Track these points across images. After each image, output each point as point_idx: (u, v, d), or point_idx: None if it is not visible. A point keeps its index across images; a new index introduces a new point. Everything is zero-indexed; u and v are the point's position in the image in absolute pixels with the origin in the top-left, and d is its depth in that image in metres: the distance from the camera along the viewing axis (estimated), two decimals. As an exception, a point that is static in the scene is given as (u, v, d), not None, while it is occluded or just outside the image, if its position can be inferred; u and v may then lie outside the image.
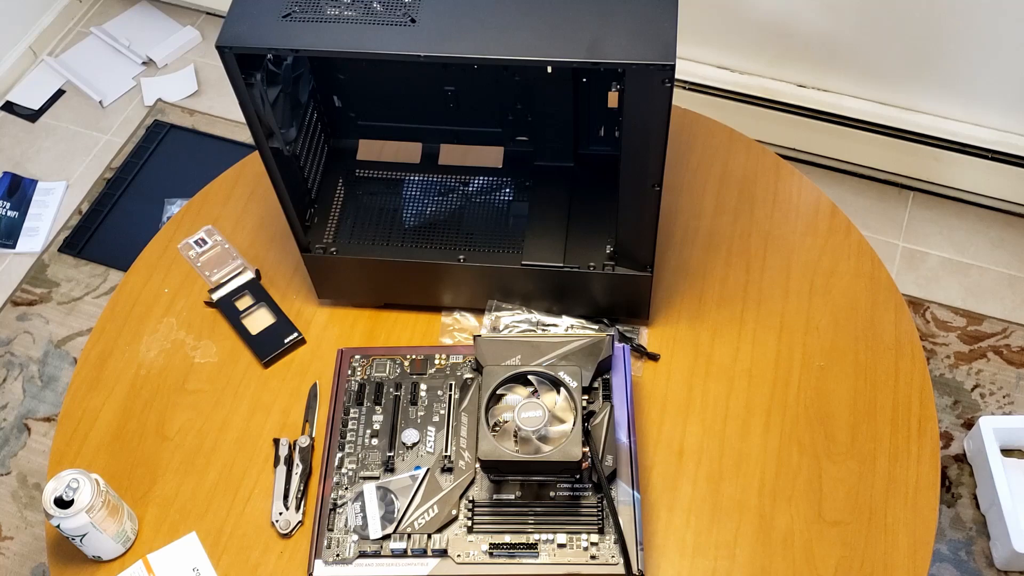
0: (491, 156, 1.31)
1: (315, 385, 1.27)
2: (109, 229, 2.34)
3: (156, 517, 1.18)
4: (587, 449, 1.05)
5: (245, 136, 2.44)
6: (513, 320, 1.27)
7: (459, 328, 1.30)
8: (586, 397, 1.13)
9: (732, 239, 1.36)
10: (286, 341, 1.30)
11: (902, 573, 1.10)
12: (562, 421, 1.07)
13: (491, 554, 1.08)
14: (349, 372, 1.22)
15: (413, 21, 0.97)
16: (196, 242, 1.40)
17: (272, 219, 1.40)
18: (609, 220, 1.19)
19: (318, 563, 1.09)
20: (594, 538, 1.08)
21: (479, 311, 1.30)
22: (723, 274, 1.33)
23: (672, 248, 1.36)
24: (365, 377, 1.22)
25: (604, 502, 1.08)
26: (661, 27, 0.95)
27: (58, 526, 1.08)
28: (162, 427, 1.25)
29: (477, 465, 1.12)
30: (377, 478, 1.14)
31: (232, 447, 1.23)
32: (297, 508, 1.16)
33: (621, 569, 1.06)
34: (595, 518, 1.08)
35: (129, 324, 1.34)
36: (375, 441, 1.17)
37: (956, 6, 1.83)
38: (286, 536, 1.15)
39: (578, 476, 1.10)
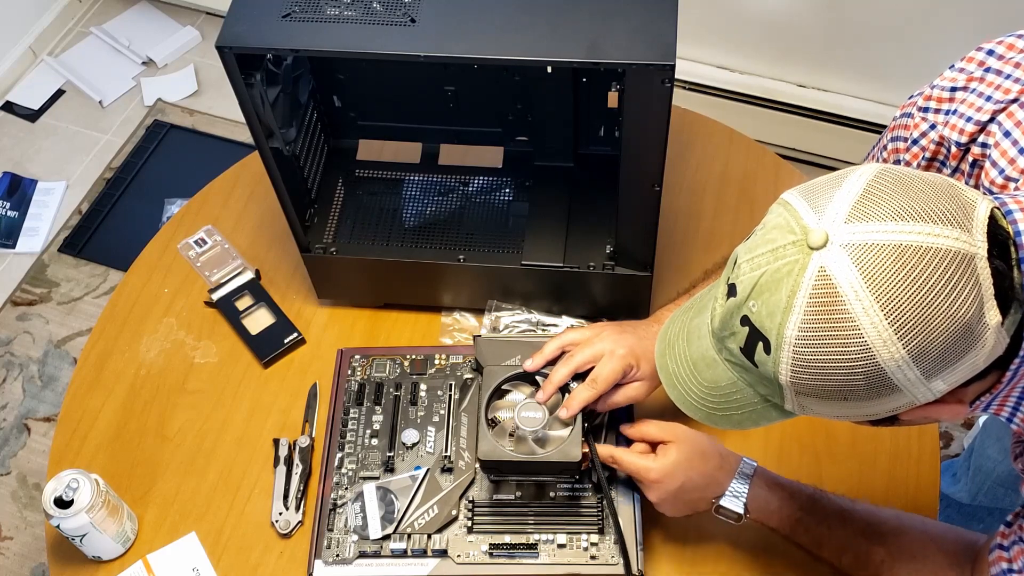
0: (491, 156, 1.31)
1: (315, 385, 1.27)
2: (109, 229, 2.34)
3: (156, 517, 1.18)
4: (587, 449, 1.05)
5: (245, 136, 2.44)
6: (513, 320, 1.27)
7: (459, 328, 1.30)
8: (586, 397, 1.13)
9: (732, 239, 1.36)
10: (286, 341, 1.29)
11: (902, 573, 1.10)
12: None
13: (491, 554, 1.08)
14: (349, 372, 1.22)
15: (413, 21, 0.97)
16: (196, 242, 1.39)
17: (272, 219, 1.40)
18: (609, 220, 1.19)
19: (318, 563, 1.09)
20: (594, 538, 1.08)
21: (479, 311, 1.30)
22: (723, 274, 1.33)
23: (672, 248, 1.35)
24: (365, 377, 1.22)
25: (604, 502, 1.08)
26: (661, 27, 0.95)
27: (58, 526, 1.08)
28: (162, 427, 1.25)
29: (477, 465, 1.12)
30: (377, 478, 1.14)
31: (232, 447, 1.23)
32: (297, 508, 1.16)
33: (621, 569, 1.06)
34: (595, 518, 1.08)
35: (129, 324, 1.34)
36: (375, 441, 1.17)
37: (957, 6, 1.83)
38: (286, 536, 1.15)
39: (578, 476, 1.10)
